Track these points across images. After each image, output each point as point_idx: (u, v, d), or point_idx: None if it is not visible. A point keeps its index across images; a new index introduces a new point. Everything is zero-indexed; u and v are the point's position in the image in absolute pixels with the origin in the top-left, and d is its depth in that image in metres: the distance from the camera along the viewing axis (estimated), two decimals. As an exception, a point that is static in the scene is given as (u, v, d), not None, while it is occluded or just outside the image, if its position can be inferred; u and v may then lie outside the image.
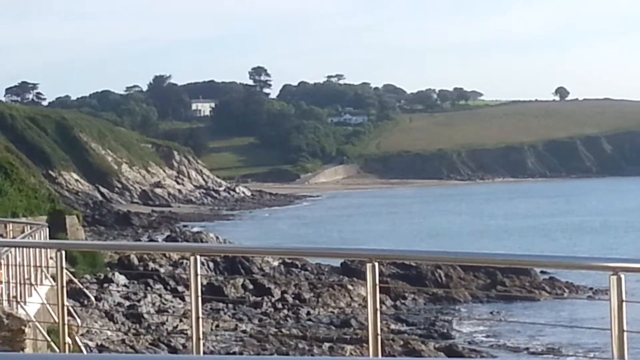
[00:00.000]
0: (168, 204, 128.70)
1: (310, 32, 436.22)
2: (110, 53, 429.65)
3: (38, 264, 21.80)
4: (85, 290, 28.09)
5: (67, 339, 12.45)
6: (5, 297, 17.36)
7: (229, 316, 39.51)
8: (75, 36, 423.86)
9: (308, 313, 41.21)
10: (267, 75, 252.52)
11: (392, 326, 37.59)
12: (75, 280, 20.83)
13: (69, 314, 13.32)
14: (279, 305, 42.28)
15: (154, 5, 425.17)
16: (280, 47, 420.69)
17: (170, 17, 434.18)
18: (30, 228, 31.25)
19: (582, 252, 61.84)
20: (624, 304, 6.63)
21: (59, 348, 12.75)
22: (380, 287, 8.34)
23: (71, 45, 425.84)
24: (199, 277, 9.88)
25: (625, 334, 6.64)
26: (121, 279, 43.75)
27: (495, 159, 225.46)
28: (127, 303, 39.74)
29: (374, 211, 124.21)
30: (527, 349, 34.57)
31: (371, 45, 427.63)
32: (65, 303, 12.58)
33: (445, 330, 38.66)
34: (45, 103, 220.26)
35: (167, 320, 36.78)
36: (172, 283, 43.74)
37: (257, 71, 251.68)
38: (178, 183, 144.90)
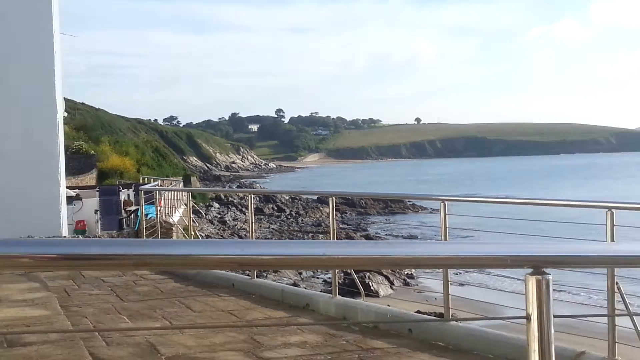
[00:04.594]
0: (238, 171, 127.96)
1: (304, 93, 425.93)
2: (217, 107, 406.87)
3: (178, 198, 21.71)
4: (200, 210, 28.17)
5: (193, 233, 12.41)
6: (163, 213, 17.29)
7: (266, 221, 39.55)
8: (190, 90, 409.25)
9: (302, 220, 41.27)
10: (283, 112, 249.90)
11: (341, 226, 37.70)
12: (196, 205, 20.77)
13: (193, 221, 13.26)
14: (289, 217, 42.33)
15: (226, 78, 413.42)
16: (289, 99, 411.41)
17: (239, 84, 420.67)
18: (175, 182, 31.11)
19: (429, 191, 61.64)
20: (446, 216, 6.65)
21: (189, 237, 12.72)
22: (336, 208, 8.32)
23: (193, 95, 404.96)
24: (252, 204, 9.85)
25: (447, 229, 6.66)
26: (216, 205, 43.72)
27: (388, 150, 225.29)
28: (219, 216, 39.75)
29: (332, 174, 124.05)
30: (402, 236, 34.68)
31: (334, 97, 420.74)
32: (191, 216, 12.54)
33: (364, 228, 38.78)
34: (181, 125, 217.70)
35: (237, 224, 36.82)
36: (240, 207, 43.71)
37: (279, 110, 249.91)
38: (242, 162, 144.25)
